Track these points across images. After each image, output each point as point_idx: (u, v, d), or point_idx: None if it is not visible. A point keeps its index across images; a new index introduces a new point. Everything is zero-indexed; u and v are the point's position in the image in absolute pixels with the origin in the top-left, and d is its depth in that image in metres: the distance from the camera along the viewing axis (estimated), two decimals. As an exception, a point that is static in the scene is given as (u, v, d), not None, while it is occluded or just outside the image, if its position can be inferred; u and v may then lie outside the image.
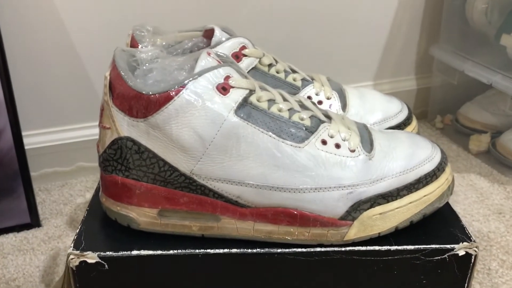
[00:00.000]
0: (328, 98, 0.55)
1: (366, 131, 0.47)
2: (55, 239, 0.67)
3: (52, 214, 0.73)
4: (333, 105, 0.55)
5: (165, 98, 0.41)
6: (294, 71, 0.56)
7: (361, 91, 0.58)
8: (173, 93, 0.41)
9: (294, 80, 0.55)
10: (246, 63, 0.53)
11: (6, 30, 0.69)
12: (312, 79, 0.57)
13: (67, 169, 0.81)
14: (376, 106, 0.57)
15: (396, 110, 0.57)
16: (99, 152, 0.46)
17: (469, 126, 0.92)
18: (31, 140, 0.78)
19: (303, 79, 0.56)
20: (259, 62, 0.54)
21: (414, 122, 0.58)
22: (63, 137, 0.80)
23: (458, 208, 0.74)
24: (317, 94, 0.55)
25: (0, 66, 0.65)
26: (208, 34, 0.55)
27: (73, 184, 0.80)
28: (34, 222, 0.70)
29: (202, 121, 0.41)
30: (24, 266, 0.63)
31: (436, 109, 1.00)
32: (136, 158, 0.43)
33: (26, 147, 0.69)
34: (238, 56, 0.53)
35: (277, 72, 0.55)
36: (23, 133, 0.70)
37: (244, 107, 0.43)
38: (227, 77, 0.43)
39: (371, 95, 0.58)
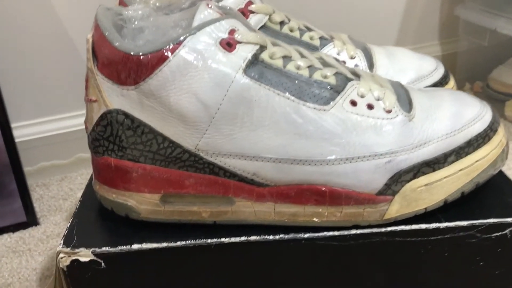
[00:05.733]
0: (352, 58, 0.48)
1: (402, 89, 0.40)
2: (53, 238, 0.62)
3: (50, 210, 0.68)
4: (358, 66, 0.48)
5: (158, 59, 0.35)
6: (310, 29, 0.49)
7: (388, 50, 0.51)
8: (168, 52, 0.35)
9: (311, 39, 0.48)
10: (253, 21, 0.46)
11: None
12: (332, 37, 0.49)
13: (65, 162, 0.77)
14: (408, 65, 0.50)
15: (431, 68, 0.50)
16: (87, 131, 0.39)
17: (503, 91, 0.86)
18: (23, 131, 0.73)
19: (321, 38, 0.49)
20: (269, 19, 0.47)
21: (452, 81, 0.51)
22: (58, 127, 0.75)
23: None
24: (338, 54, 0.48)
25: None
26: (209, -9, 0.48)
27: (73, 177, 0.76)
28: (30, 220, 0.65)
29: (205, 85, 0.35)
30: (19, 269, 0.58)
31: (464, 76, 0.94)
32: (129, 135, 0.37)
33: (17, 140, 0.65)
34: (244, 13, 0.46)
35: (291, 31, 0.48)
36: (13, 125, 0.65)
37: (255, 66, 0.36)
38: (232, 31, 0.36)
39: (400, 53, 0.51)
